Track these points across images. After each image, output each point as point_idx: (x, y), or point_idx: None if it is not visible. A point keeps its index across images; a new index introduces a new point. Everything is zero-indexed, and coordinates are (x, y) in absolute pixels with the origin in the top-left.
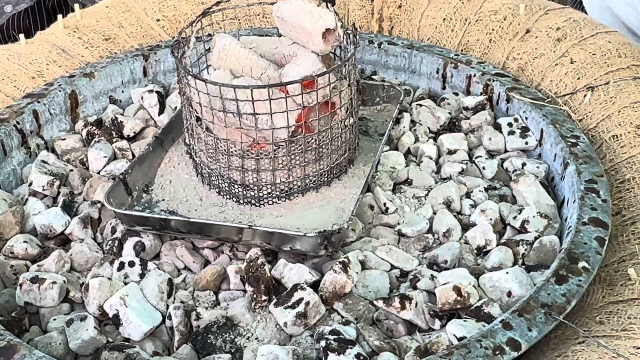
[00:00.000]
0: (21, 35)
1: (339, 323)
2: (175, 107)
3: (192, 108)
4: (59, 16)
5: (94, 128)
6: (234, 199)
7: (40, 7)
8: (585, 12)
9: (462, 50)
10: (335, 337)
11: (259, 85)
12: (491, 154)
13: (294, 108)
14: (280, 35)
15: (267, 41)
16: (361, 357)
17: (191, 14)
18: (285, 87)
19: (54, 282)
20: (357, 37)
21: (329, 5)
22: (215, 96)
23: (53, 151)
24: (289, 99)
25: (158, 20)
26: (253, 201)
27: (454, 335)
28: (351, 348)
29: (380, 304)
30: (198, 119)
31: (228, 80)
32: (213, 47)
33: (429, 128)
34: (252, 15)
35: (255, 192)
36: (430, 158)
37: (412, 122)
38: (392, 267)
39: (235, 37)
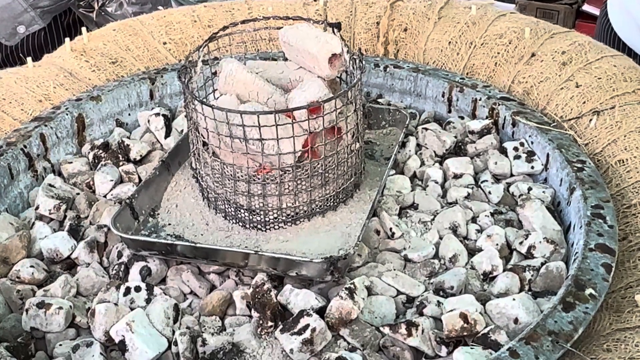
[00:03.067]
0: (29, 59)
1: (345, 349)
2: (182, 130)
3: (198, 133)
4: (67, 39)
5: (101, 151)
6: (240, 224)
7: (57, 25)
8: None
9: (467, 74)
10: None
11: (265, 111)
12: (497, 178)
13: (300, 133)
14: (286, 60)
15: (273, 66)
16: None
17: (197, 37)
18: (291, 112)
19: (60, 308)
20: (363, 62)
21: (335, 30)
22: (222, 122)
23: (60, 174)
24: (295, 124)
25: (165, 43)
26: (259, 226)
27: None
28: None
29: (386, 330)
30: (205, 144)
31: (235, 106)
32: (220, 71)
33: (434, 152)
34: (259, 39)
35: (262, 216)
36: (436, 182)
37: (418, 145)
38: (399, 292)
39: (242, 61)
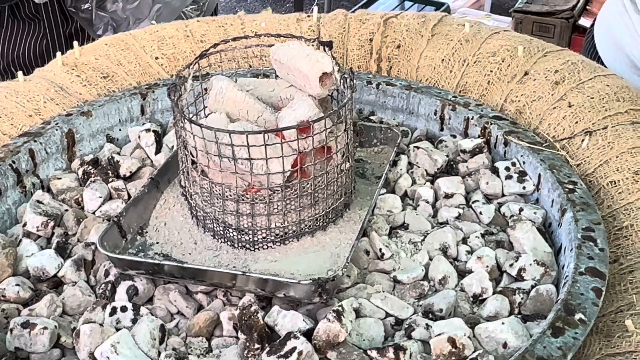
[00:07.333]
0: (19, 73)
1: None
2: (172, 147)
3: (187, 151)
4: (58, 54)
5: (90, 167)
6: (229, 243)
7: (59, 34)
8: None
9: (460, 92)
10: None
11: (254, 130)
12: (488, 198)
13: (289, 153)
14: (277, 77)
15: (264, 83)
16: None
17: (190, 52)
18: (281, 132)
19: (45, 328)
20: (354, 81)
21: (327, 48)
22: (211, 140)
23: (49, 190)
24: (284, 144)
25: (157, 58)
26: (248, 245)
27: None
28: None
29: (374, 354)
30: (193, 163)
31: (224, 124)
32: (210, 89)
33: (426, 170)
34: (249, 57)
35: (250, 236)
36: (427, 202)
37: (410, 164)
38: (387, 314)
39: (233, 78)
